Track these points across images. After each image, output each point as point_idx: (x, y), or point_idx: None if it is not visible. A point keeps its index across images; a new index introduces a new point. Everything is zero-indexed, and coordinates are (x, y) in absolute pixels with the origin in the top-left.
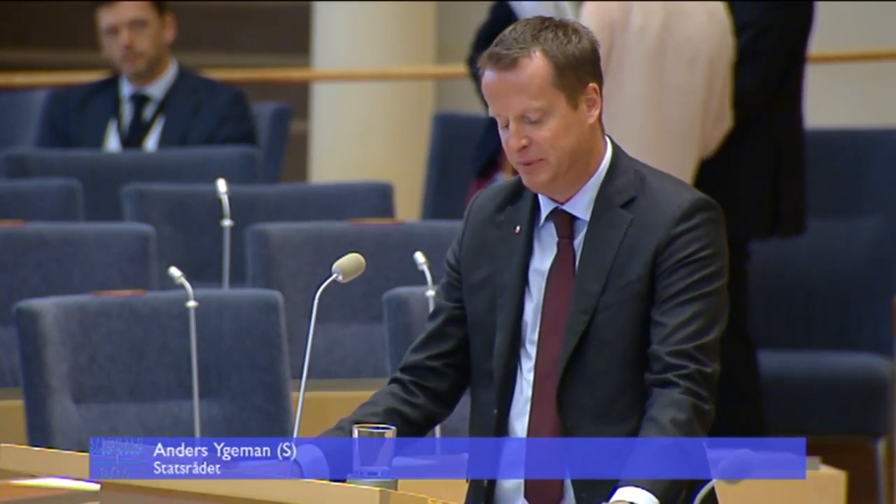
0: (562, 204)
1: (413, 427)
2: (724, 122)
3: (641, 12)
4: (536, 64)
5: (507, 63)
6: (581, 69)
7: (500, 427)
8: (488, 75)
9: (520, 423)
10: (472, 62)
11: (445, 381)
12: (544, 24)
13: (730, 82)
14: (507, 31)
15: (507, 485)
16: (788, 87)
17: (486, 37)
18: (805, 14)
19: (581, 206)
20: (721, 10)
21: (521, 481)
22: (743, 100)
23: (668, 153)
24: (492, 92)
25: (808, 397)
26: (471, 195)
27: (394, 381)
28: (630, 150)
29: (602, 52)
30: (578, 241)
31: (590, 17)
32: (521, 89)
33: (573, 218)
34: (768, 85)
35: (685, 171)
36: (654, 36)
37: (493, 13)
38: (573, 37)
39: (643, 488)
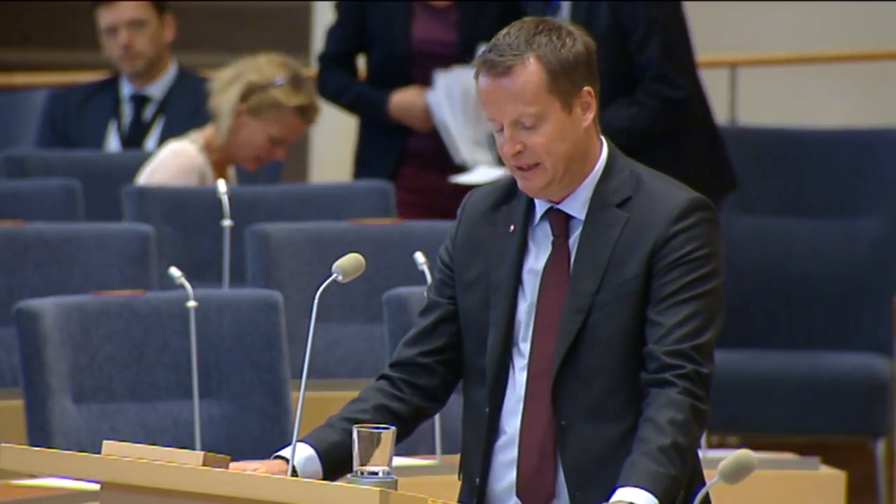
0: (557, 203)
1: (402, 423)
2: None
3: None
4: (530, 70)
5: (501, 70)
6: (575, 73)
7: (492, 425)
8: (482, 81)
9: (512, 421)
10: (324, 61)
11: (436, 379)
12: (538, 28)
13: None
14: (501, 35)
15: (499, 484)
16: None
17: (339, 38)
18: None
19: (576, 205)
20: None
21: (514, 480)
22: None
23: None
24: (486, 98)
25: (808, 397)
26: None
27: (383, 377)
28: None
29: None
30: (573, 240)
31: None
32: (515, 96)
33: (568, 217)
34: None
35: None
36: None
37: (340, 12)
38: (567, 40)
39: (642, 488)
